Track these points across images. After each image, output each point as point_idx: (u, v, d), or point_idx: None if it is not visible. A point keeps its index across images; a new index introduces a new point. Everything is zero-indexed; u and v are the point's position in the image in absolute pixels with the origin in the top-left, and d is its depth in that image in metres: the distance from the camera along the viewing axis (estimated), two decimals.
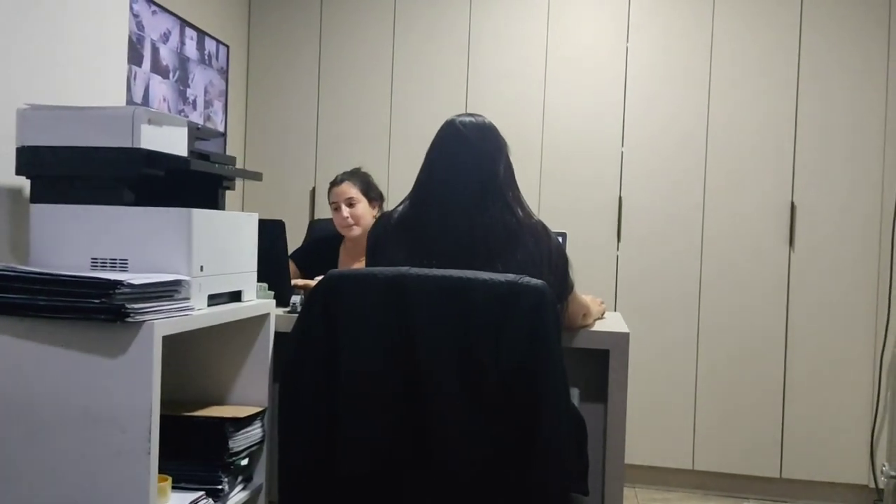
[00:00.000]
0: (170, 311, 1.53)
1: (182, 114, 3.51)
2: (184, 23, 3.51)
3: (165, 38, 3.36)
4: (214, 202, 1.89)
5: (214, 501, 1.75)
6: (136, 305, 1.44)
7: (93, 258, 1.63)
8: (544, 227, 1.82)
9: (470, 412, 1.54)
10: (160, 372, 1.47)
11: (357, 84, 4.03)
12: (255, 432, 1.89)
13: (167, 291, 1.56)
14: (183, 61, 3.52)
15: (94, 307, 1.42)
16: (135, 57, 3.11)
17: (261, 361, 1.96)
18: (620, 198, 3.79)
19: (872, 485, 3.56)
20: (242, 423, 1.84)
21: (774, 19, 3.68)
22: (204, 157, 1.89)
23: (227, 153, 3.84)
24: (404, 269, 1.58)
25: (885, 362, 3.55)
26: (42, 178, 1.71)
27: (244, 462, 1.87)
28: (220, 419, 1.79)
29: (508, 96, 3.87)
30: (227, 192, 1.98)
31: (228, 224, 1.81)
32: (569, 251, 2.00)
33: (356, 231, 2.87)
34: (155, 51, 3.28)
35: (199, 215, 1.65)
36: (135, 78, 3.12)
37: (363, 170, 3.03)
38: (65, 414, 1.47)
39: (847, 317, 3.62)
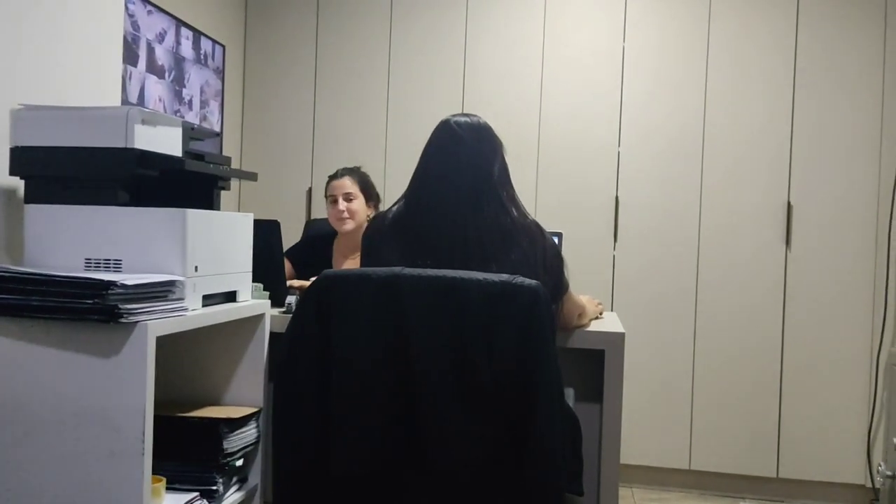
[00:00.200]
0: (164, 311, 1.53)
1: (178, 114, 3.50)
2: (179, 23, 3.51)
3: (161, 37, 3.35)
4: (209, 202, 1.89)
5: (209, 502, 1.74)
6: (129, 306, 1.44)
7: (87, 258, 1.63)
8: (539, 227, 1.82)
9: (464, 412, 1.54)
10: (154, 372, 1.47)
11: (354, 84, 4.03)
12: (249, 433, 1.89)
13: (161, 292, 1.55)
14: (179, 61, 3.51)
15: (88, 308, 1.42)
16: (130, 57, 3.11)
17: (256, 362, 1.95)
18: (617, 198, 3.79)
19: (869, 484, 3.56)
20: (237, 423, 1.84)
21: (771, 19, 3.68)
22: (199, 157, 1.89)
23: (223, 153, 3.84)
24: (398, 269, 1.58)
25: (882, 361, 3.55)
26: (36, 179, 1.70)
27: (239, 463, 1.86)
28: (214, 420, 1.79)
29: (505, 96, 3.86)
30: (223, 193, 1.97)
31: (223, 224, 1.80)
32: (565, 251, 2.00)
33: (350, 225, 2.89)
34: (150, 51, 3.27)
35: (194, 215, 1.64)
36: (130, 78, 3.12)
37: (363, 170, 3.05)
38: (58, 414, 1.47)
39: (843, 316, 3.62)
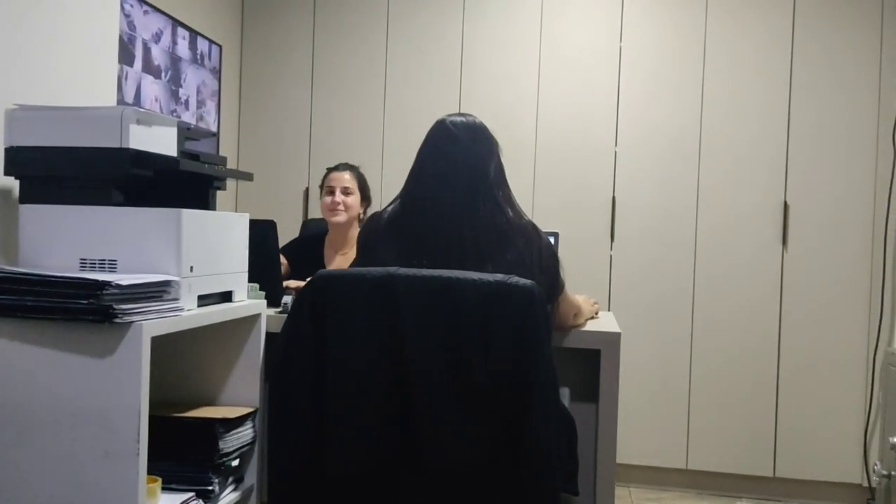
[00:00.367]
0: (159, 311, 1.52)
1: (174, 114, 3.50)
2: (176, 22, 3.51)
3: (157, 37, 3.35)
4: (205, 202, 1.89)
5: (205, 502, 1.74)
6: (124, 306, 1.43)
7: (81, 259, 1.62)
8: (534, 228, 1.82)
9: (459, 412, 1.54)
10: (149, 372, 1.47)
11: (351, 84, 4.03)
12: (245, 433, 1.89)
13: (156, 292, 1.55)
14: (175, 61, 3.51)
15: (82, 308, 1.42)
16: (126, 57, 3.11)
17: (252, 362, 1.95)
18: (614, 198, 3.79)
19: (865, 484, 3.57)
20: (233, 423, 1.83)
21: (767, 20, 3.68)
22: (194, 157, 1.88)
23: (220, 153, 3.83)
24: (393, 269, 1.58)
25: (879, 361, 3.55)
26: (30, 179, 1.70)
27: (235, 463, 1.86)
28: (210, 420, 1.79)
29: (502, 97, 3.86)
30: (220, 193, 1.97)
31: (219, 224, 1.80)
32: (562, 251, 2.00)
33: (342, 217, 2.92)
34: (146, 51, 3.27)
35: (189, 215, 1.64)
36: (126, 78, 3.11)
37: (362, 170, 3.07)
38: (53, 415, 1.47)
39: (840, 316, 3.62)
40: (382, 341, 1.56)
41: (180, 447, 1.76)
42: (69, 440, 1.46)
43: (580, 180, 3.81)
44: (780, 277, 3.67)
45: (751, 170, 3.70)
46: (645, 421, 3.73)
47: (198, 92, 3.72)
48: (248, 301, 1.94)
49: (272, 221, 2.33)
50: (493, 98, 3.86)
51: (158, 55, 3.36)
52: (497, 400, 1.53)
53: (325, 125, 4.05)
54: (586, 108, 3.82)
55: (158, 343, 1.53)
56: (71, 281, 1.44)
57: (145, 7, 3.25)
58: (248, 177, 2.08)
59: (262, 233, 2.19)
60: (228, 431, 1.81)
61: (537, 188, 3.83)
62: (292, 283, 2.41)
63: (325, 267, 2.96)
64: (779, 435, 3.66)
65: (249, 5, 4.13)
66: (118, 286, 1.43)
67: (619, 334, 1.97)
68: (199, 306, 1.70)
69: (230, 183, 3.91)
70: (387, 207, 1.89)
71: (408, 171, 1.89)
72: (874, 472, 3.41)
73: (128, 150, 1.63)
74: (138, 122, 1.66)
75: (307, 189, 4.03)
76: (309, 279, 1.65)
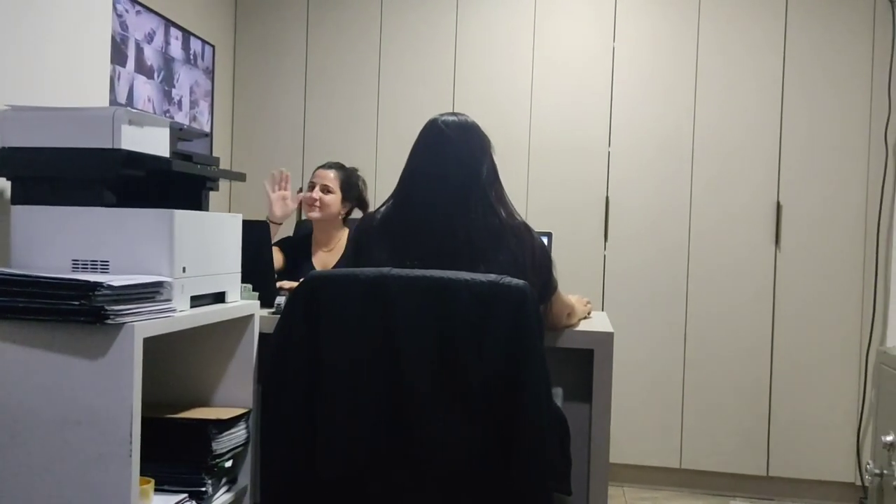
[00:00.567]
0: (151, 312, 1.52)
1: (167, 114, 3.49)
2: (168, 23, 3.50)
3: (150, 38, 3.34)
4: (198, 203, 1.88)
5: (198, 503, 1.74)
6: (116, 307, 1.43)
7: (73, 260, 1.62)
8: (527, 228, 1.82)
9: (452, 412, 1.54)
10: (141, 374, 1.47)
11: (344, 84, 4.03)
12: (239, 434, 1.89)
13: (148, 293, 1.55)
14: (168, 61, 3.50)
15: (74, 309, 1.41)
16: (118, 57, 3.10)
17: (245, 363, 1.95)
18: (607, 198, 3.80)
19: (858, 482, 3.58)
20: (226, 424, 1.83)
21: (759, 20, 3.69)
22: (186, 157, 1.88)
23: (213, 154, 3.83)
24: (386, 269, 1.58)
25: (871, 360, 3.56)
26: (22, 180, 1.70)
27: (228, 464, 1.86)
28: (202, 421, 1.78)
29: (496, 97, 3.87)
30: (213, 193, 1.97)
31: (212, 225, 1.80)
32: (556, 251, 2.00)
33: (316, 213, 2.97)
34: (139, 51, 3.26)
35: (181, 216, 1.64)
36: (119, 78, 3.11)
37: (359, 172, 3.10)
38: (45, 416, 1.46)
39: (833, 315, 3.64)
40: (375, 341, 1.56)
41: (173, 448, 1.76)
42: (61, 442, 1.46)
43: (574, 180, 3.82)
44: (772, 277, 3.69)
45: (743, 170, 3.71)
46: (638, 420, 3.73)
47: (191, 92, 3.71)
48: (241, 302, 1.94)
49: (265, 222, 2.34)
50: (486, 97, 3.86)
51: (151, 55, 3.36)
52: (490, 400, 1.53)
53: (319, 126, 4.05)
54: (580, 108, 3.82)
55: (151, 344, 1.53)
56: (63, 282, 1.44)
57: (138, 7, 3.24)
58: (240, 177, 2.08)
59: (255, 234, 2.19)
60: (222, 432, 1.81)
61: (531, 188, 3.84)
62: (286, 284, 2.41)
63: (311, 261, 3.01)
64: (772, 434, 3.67)
65: (242, 5, 4.13)
66: (110, 287, 1.43)
67: (612, 334, 1.98)
68: (191, 307, 1.70)
69: (223, 183, 3.90)
70: (380, 208, 1.89)
71: (401, 170, 1.89)
72: (867, 470, 3.42)
73: (120, 150, 1.63)
74: (130, 122, 1.66)
75: (301, 189, 4.01)
76: (302, 280, 1.64)
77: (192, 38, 3.70)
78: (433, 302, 1.54)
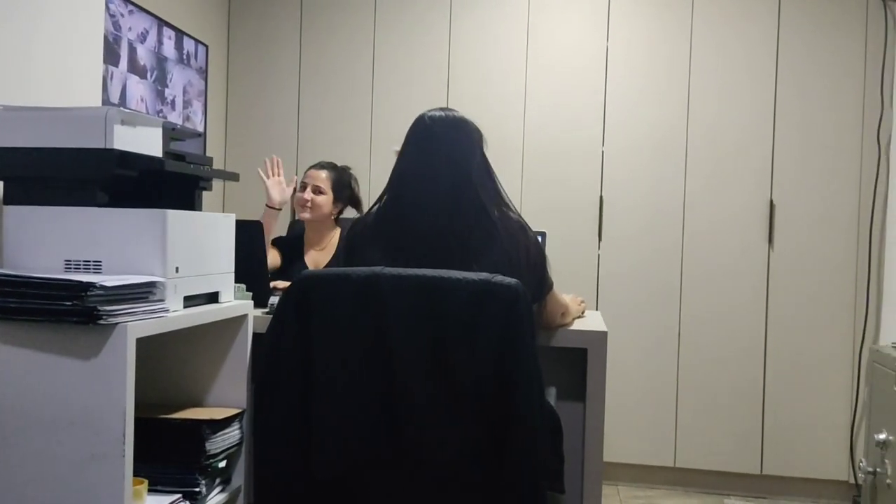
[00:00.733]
0: (144, 312, 1.52)
1: (160, 114, 3.48)
2: (161, 22, 3.49)
3: (143, 37, 3.34)
4: (191, 203, 1.88)
5: None
6: (108, 307, 1.43)
7: (66, 260, 1.62)
8: (521, 226, 1.82)
9: (445, 411, 1.53)
10: (134, 374, 1.46)
11: (338, 83, 4.02)
12: (233, 434, 1.88)
13: (141, 293, 1.55)
14: (161, 61, 3.50)
15: (66, 309, 1.41)
16: (111, 57, 3.09)
17: (239, 363, 1.95)
18: (601, 197, 3.80)
19: (852, 481, 3.59)
20: (220, 424, 1.83)
21: (753, 20, 3.70)
22: (179, 157, 1.88)
23: (207, 154, 3.82)
24: (378, 268, 1.58)
25: (864, 359, 3.58)
26: (14, 180, 1.69)
27: (222, 464, 1.86)
28: (196, 421, 1.78)
29: (490, 97, 3.87)
30: (206, 193, 1.97)
31: (205, 225, 1.80)
32: (550, 251, 2.00)
33: (307, 214, 2.98)
34: (132, 51, 3.25)
35: (174, 216, 1.64)
36: (111, 78, 3.10)
37: (351, 171, 3.10)
38: (38, 417, 1.46)
39: (826, 314, 3.65)
40: (367, 341, 1.55)
41: (167, 449, 1.75)
42: (54, 442, 1.46)
43: (568, 180, 3.82)
44: (766, 276, 3.69)
45: (737, 169, 3.71)
46: (632, 419, 3.74)
47: (184, 92, 3.70)
48: (234, 302, 1.93)
49: (259, 222, 2.33)
50: (480, 97, 3.86)
51: (144, 55, 3.35)
52: (482, 399, 1.53)
53: (313, 125, 4.05)
54: (574, 108, 3.83)
55: (144, 344, 1.52)
56: (55, 282, 1.44)
57: (130, 7, 3.23)
58: (234, 177, 2.08)
59: (248, 234, 2.19)
60: (215, 433, 1.81)
61: (525, 188, 3.84)
62: (280, 284, 2.41)
63: (304, 260, 3.01)
64: (766, 432, 3.68)
65: (236, 5, 4.12)
66: (103, 287, 1.43)
67: (605, 333, 1.98)
68: (185, 307, 1.70)
69: (217, 183, 3.89)
70: (372, 208, 1.88)
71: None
72: (860, 468, 3.43)
73: (112, 150, 1.63)
74: (123, 122, 1.66)
75: (295, 189, 4.01)
76: (294, 279, 1.64)
77: (185, 38, 3.70)
78: (425, 301, 1.53)
